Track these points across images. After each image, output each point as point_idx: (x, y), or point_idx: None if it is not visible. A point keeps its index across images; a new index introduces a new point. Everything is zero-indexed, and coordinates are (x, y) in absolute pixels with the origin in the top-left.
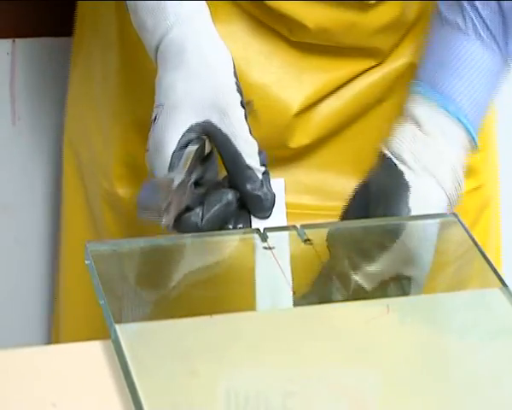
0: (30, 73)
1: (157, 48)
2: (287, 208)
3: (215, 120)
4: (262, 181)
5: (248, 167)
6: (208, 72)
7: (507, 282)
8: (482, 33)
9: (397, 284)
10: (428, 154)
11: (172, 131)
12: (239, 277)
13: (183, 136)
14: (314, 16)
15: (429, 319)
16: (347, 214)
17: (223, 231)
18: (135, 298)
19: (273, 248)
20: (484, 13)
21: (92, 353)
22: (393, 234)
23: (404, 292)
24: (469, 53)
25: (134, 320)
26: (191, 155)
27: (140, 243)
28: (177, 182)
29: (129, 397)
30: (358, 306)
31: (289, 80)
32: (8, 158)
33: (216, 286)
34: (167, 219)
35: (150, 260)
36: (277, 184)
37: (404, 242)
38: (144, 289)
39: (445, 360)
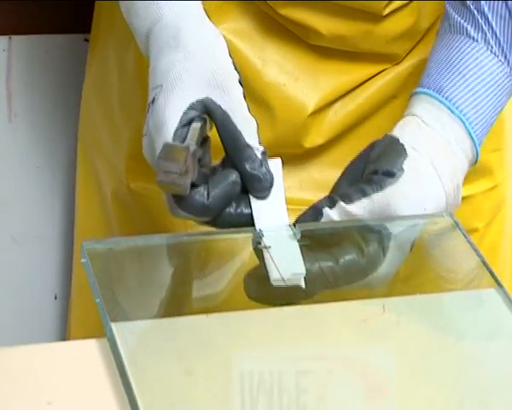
0: (26, 70)
1: (149, 33)
2: (300, 205)
3: (215, 98)
4: (261, 160)
5: (248, 146)
6: (206, 51)
7: None
8: (492, 42)
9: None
10: (432, 145)
11: (173, 109)
12: (235, 276)
13: (184, 113)
14: (327, 24)
15: (425, 319)
16: (341, 180)
17: (218, 230)
18: (131, 297)
19: (269, 247)
20: (494, 23)
21: (88, 351)
22: (373, 234)
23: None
24: (478, 61)
25: (130, 319)
26: (197, 131)
27: (136, 241)
28: (192, 149)
29: (124, 395)
30: (354, 305)
31: (305, 81)
32: (5, 155)
33: (212, 285)
34: (185, 184)
35: (146, 259)
36: (275, 164)
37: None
38: (140, 288)
39: (440, 359)
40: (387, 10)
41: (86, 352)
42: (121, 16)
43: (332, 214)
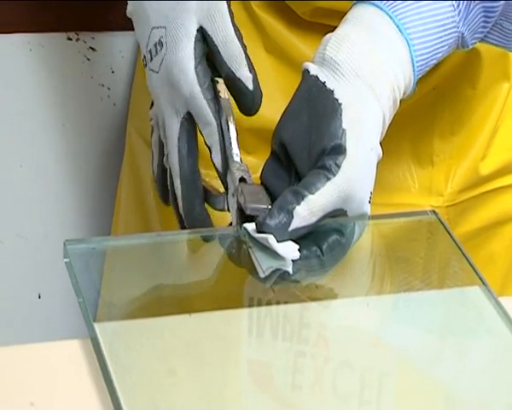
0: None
1: None
2: None
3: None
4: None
5: (247, 66)
6: None
7: None
8: None
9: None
10: (368, 63)
11: (186, 52)
12: (219, 275)
13: (194, 49)
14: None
15: (409, 317)
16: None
17: (204, 229)
18: (113, 296)
19: (250, 247)
20: None
21: (70, 351)
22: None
23: None
24: None
25: (113, 319)
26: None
27: (119, 241)
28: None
29: (107, 395)
30: (338, 304)
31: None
32: None
33: (195, 285)
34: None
35: (130, 259)
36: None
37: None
38: (123, 288)
39: (425, 357)
40: None
41: (69, 352)
42: None
43: (301, 211)
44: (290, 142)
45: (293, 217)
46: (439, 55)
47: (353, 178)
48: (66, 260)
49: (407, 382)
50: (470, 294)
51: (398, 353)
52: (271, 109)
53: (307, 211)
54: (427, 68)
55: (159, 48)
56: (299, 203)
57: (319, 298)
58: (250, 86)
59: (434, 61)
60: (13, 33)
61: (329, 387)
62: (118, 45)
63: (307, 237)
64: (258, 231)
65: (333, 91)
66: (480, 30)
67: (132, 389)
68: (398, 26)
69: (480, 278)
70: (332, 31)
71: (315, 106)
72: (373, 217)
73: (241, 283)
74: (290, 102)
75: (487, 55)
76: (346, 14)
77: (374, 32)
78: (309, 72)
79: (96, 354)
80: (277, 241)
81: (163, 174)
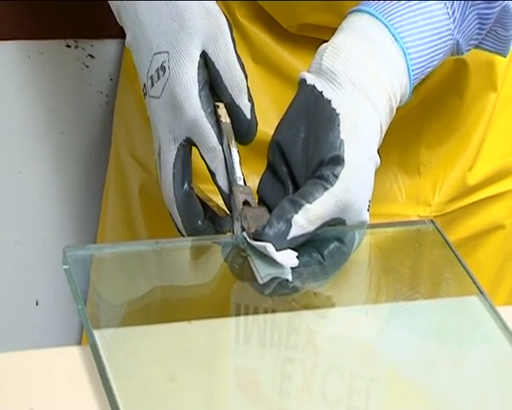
0: (9, 76)
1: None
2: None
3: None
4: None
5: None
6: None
7: None
8: None
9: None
10: (365, 72)
11: (189, 75)
12: (218, 283)
13: (198, 74)
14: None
15: (408, 326)
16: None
17: (201, 237)
18: (113, 303)
19: (249, 255)
20: None
21: (70, 358)
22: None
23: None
24: (428, 3)
25: (112, 326)
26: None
27: (119, 248)
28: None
29: (106, 402)
30: (337, 312)
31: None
32: None
33: (195, 292)
34: None
35: (129, 266)
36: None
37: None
38: (123, 294)
39: (423, 366)
40: None
41: (68, 358)
42: None
43: (300, 220)
44: (288, 150)
45: (291, 226)
46: (435, 62)
47: (351, 188)
48: (65, 266)
49: (398, 389)
50: (468, 303)
51: (391, 361)
52: (259, 119)
53: (305, 220)
54: (423, 76)
55: (161, 72)
56: (296, 212)
57: (316, 306)
58: (248, 115)
59: (430, 69)
60: (12, 40)
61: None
62: (117, 53)
63: (308, 244)
64: (257, 240)
65: (330, 101)
66: (474, 37)
67: (131, 395)
68: (393, 35)
69: (478, 288)
70: (326, 41)
71: (312, 116)
72: (371, 226)
73: (240, 290)
74: (287, 111)
75: (474, 66)
76: (334, 29)
77: (369, 41)
78: (306, 81)
79: (96, 361)
80: (276, 249)
81: (187, 202)
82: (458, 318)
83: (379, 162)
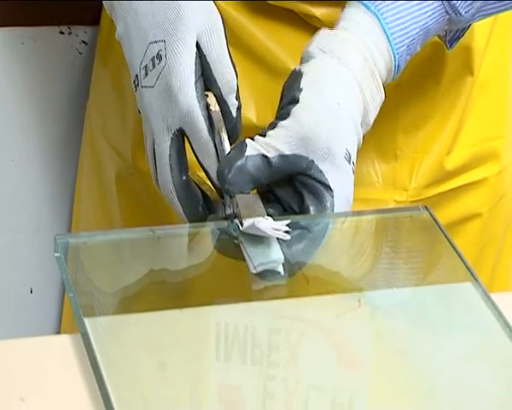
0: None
1: None
2: None
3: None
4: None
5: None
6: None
7: None
8: None
9: None
10: (334, 41)
11: (185, 66)
12: (209, 270)
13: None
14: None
15: (401, 313)
16: None
17: (192, 224)
18: (105, 291)
19: (241, 241)
20: None
21: (61, 346)
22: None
23: None
24: None
25: (103, 313)
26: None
27: (110, 235)
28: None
29: (97, 390)
30: (329, 299)
31: None
32: None
33: (186, 279)
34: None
35: (121, 253)
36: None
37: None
38: (114, 282)
39: (416, 354)
40: None
41: (59, 347)
42: None
43: (253, 143)
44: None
45: (246, 145)
46: (422, 22)
47: (306, 122)
48: (56, 254)
49: (398, 378)
50: (462, 290)
51: (389, 349)
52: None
53: (258, 144)
54: (412, 39)
55: (157, 61)
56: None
57: (309, 293)
58: (234, 113)
59: (418, 30)
60: (4, 27)
61: (323, 380)
62: None
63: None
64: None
65: (299, 70)
66: None
67: (122, 383)
68: (365, 5)
69: (472, 274)
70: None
71: (284, 84)
72: (363, 212)
73: (232, 277)
74: None
75: (450, 50)
76: None
77: (343, 19)
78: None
79: (87, 349)
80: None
81: (186, 191)
82: (452, 305)
83: (358, 117)
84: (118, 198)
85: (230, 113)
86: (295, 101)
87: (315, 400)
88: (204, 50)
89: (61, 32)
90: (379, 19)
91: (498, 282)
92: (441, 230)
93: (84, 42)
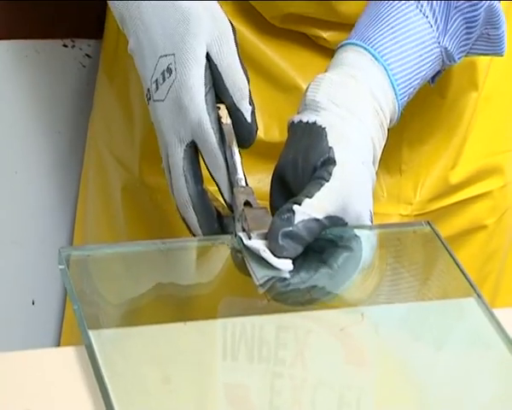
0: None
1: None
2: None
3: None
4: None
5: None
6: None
7: None
8: (424, 4)
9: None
10: (346, 93)
11: (196, 77)
12: (214, 283)
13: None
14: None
15: (404, 328)
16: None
17: (198, 238)
18: (109, 304)
19: (245, 256)
20: None
21: (66, 358)
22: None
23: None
24: (407, 17)
25: (108, 326)
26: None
27: (115, 248)
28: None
29: (102, 403)
30: (333, 313)
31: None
32: None
33: (190, 293)
34: None
35: (125, 266)
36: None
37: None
38: (119, 295)
39: (419, 369)
40: None
41: (64, 359)
42: None
43: (302, 209)
44: (282, 171)
45: (294, 213)
46: (423, 73)
47: (346, 184)
48: (61, 267)
49: (400, 392)
50: (465, 305)
51: (392, 364)
52: None
53: (308, 210)
54: (414, 89)
55: (167, 75)
56: (299, 204)
57: (313, 308)
58: (249, 119)
59: (419, 81)
60: (8, 40)
61: (326, 393)
62: None
63: (314, 258)
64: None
65: (315, 122)
66: (463, 42)
67: (127, 396)
68: (373, 55)
69: (475, 290)
70: (309, 36)
71: (300, 139)
72: (366, 227)
73: (237, 292)
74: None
75: (456, 65)
76: (318, 19)
77: (350, 66)
78: (293, 122)
79: (91, 362)
80: (277, 255)
81: (202, 200)
82: (455, 320)
83: (374, 176)
84: (123, 211)
85: (245, 119)
86: (331, 161)
87: (322, 397)
88: (215, 60)
89: (65, 45)
90: (386, 70)
91: (502, 294)
92: (444, 245)
93: (87, 55)
